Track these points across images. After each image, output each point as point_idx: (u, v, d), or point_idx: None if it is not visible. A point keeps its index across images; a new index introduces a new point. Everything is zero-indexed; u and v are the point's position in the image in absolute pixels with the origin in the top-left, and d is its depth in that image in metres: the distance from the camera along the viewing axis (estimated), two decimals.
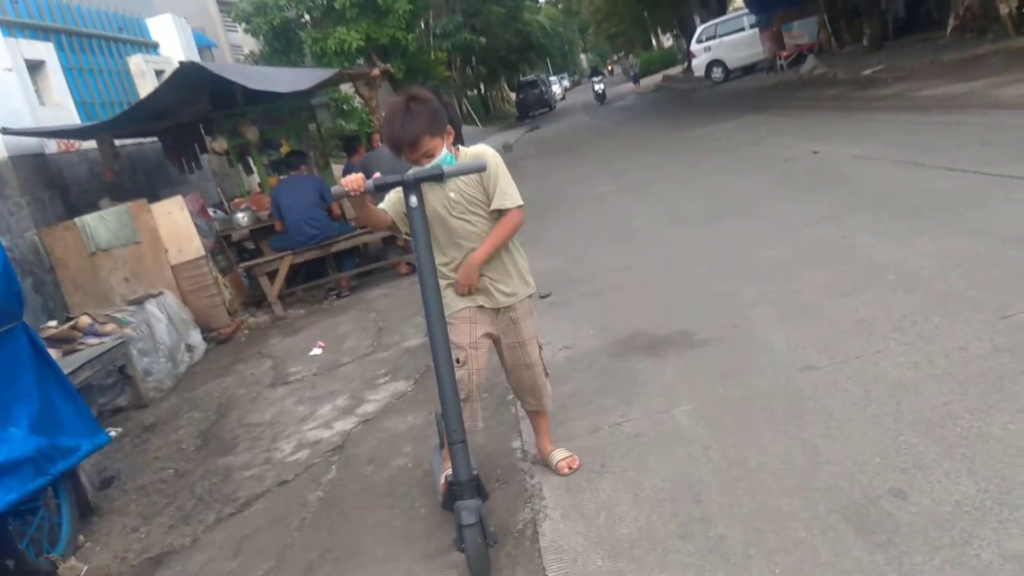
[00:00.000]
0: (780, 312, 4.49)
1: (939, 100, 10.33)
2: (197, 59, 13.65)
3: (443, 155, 3.02)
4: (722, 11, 32.91)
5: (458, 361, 2.97)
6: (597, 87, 37.13)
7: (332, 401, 5.35)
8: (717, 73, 26.42)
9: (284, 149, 10.13)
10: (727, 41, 26.52)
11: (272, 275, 8.37)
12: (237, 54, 19.47)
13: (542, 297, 6.17)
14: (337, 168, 11.86)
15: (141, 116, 9.04)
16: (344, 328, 7.29)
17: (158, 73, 11.89)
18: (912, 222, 5.38)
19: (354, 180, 2.93)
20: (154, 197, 8.92)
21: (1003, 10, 13.19)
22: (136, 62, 11.90)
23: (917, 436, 2.87)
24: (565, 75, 75.88)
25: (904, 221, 5.45)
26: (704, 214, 7.31)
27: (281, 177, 9.04)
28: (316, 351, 6.69)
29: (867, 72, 15.51)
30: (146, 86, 11.33)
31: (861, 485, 2.68)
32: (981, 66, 12.05)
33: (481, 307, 3.16)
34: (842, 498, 2.65)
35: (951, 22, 15.51)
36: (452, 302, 3.11)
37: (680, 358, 4.26)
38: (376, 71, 12.47)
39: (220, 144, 9.89)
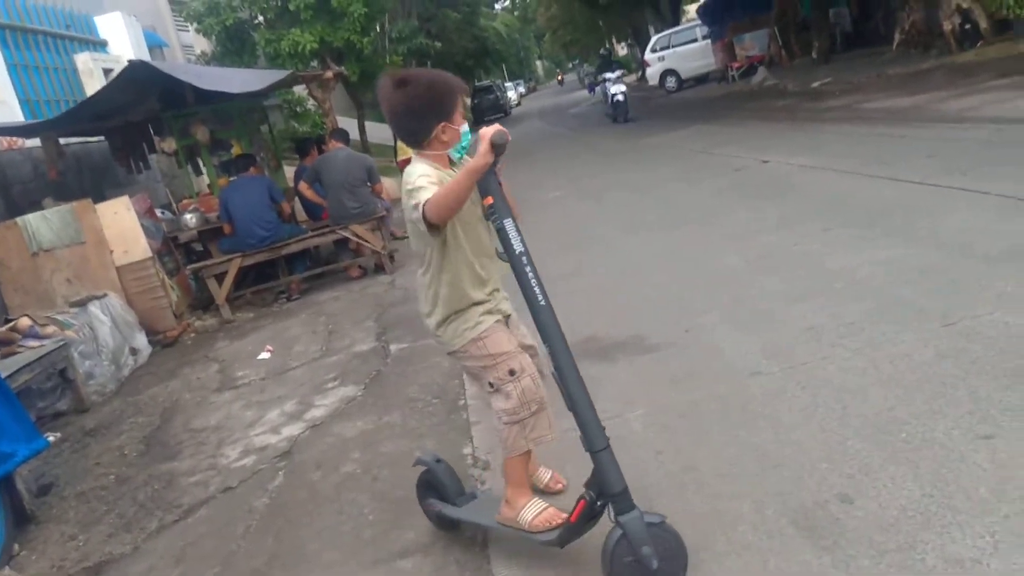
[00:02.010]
0: (731, 318, 4.53)
1: (885, 113, 10.55)
2: (147, 58, 13.43)
3: (466, 128, 2.69)
4: (676, 22, 33.26)
5: (512, 372, 2.63)
6: (614, 89, 19.53)
7: (280, 406, 5.27)
8: (671, 82, 26.69)
9: (235, 150, 9.98)
10: (681, 51, 26.81)
11: (220, 277, 8.23)
12: (189, 54, 19.16)
13: None
14: (289, 170, 11.73)
15: (88, 115, 8.84)
16: (293, 332, 7.19)
17: (106, 72, 11.66)
18: (859, 231, 5.47)
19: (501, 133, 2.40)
20: (100, 197, 8.72)
21: (947, 27, 13.55)
22: (84, 60, 11.65)
23: (863, 441, 2.90)
24: (521, 81, 76.10)
25: (852, 230, 5.54)
26: (658, 221, 7.36)
27: (231, 178, 8.90)
28: (264, 355, 6.58)
29: (816, 84, 15.81)
30: (93, 84, 11.10)
31: (809, 489, 2.70)
32: (925, 80, 12.36)
33: (499, 320, 2.79)
34: (791, 502, 2.67)
35: (897, 37, 15.88)
36: (483, 320, 2.72)
37: (632, 363, 4.27)
38: (330, 74, 12.38)
39: (169, 144, 9.72)
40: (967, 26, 13.38)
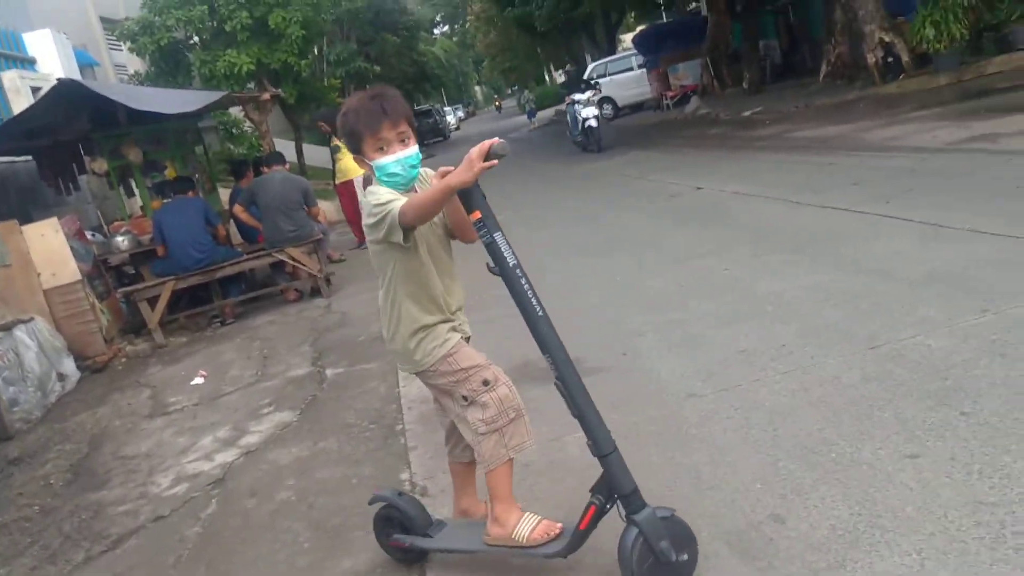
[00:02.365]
0: (666, 341, 4.60)
1: (812, 142, 10.88)
2: (78, 77, 13.13)
3: (415, 149, 2.62)
4: (612, 51, 33.85)
5: (486, 383, 2.61)
6: (585, 113, 16.75)
7: (213, 432, 5.16)
8: (607, 110, 27.10)
9: (169, 172, 9.81)
10: (617, 80, 27.30)
11: (153, 301, 8.05)
12: (122, 73, 18.80)
13: None
14: (224, 192, 11.57)
15: (14, 133, 8.61)
16: (228, 356, 7.06)
17: (35, 90, 11.35)
18: (789, 256, 5.62)
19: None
20: (26, 218, 8.45)
21: (870, 60, 14.07)
22: (10, 77, 11.33)
23: (795, 462, 2.97)
24: (460, 106, 76.43)
25: (781, 255, 5.69)
26: (595, 245, 7.45)
27: (165, 200, 8.74)
28: (198, 380, 6.45)
29: (747, 113, 16.24)
30: (21, 103, 10.79)
31: (743, 511, 2.75)
32: (850, 111, 12.79)
33: (463, 339, 2.77)
34: (725, 523, 2.71)
35: (823, 69, 16.44)
36: (450, 337, 2.69)
37: None
38: (267, 95, 12.31)
39: (100, 165, 9.51)
40: (890, 59, 13.92)
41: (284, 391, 5.67)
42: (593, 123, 16.37)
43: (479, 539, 2.73)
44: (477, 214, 2.44)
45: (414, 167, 2.60)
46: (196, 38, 17.75)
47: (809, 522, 2.61)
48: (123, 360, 7.80)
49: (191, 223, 8.12)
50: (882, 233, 5.63)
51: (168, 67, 17.50)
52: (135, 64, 18.58)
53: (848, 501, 2.66)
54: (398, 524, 2.92)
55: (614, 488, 2.43)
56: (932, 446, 2.85)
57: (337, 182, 11.66)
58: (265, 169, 9.29)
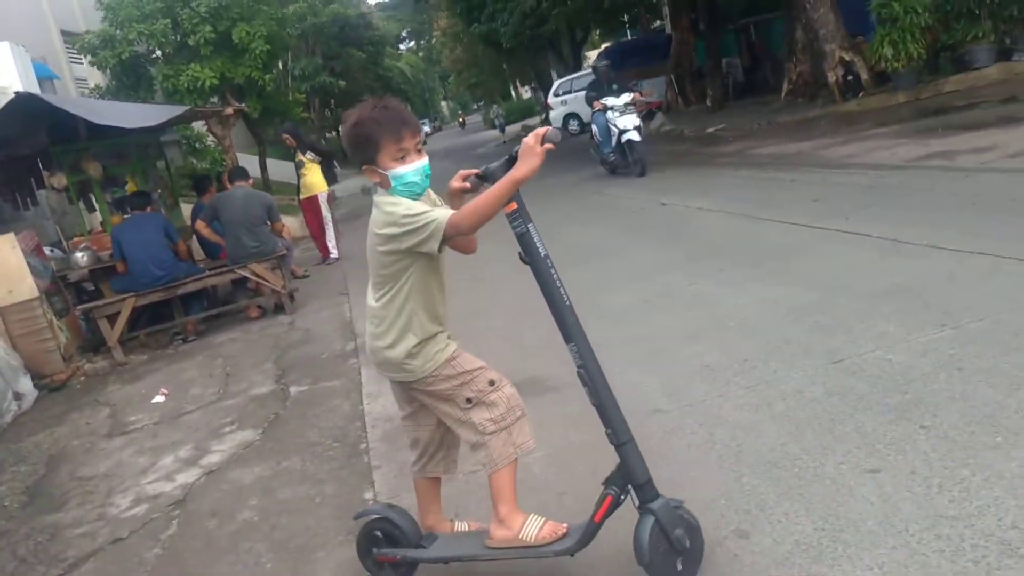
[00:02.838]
0: (630, 356, 4.61)
1: (774, 158, 11.03)
2: (36, 90, 12.93)
3: (427, 158, 2.64)
4: (578, 67, 34.07)
5: (492, 383, 2.65)
6: (623, 123, 12.31)
7: (174, 452, 5.07)
8: (574, 125, 27.28)
9: (129, 187, 9.70)
10: (582, 96, 27.41)
11: (113, 318, 7.91)
12: (82, 87, 18.55)
13: None
14: (186, 207, 11.45)
15: None
16: (189, 374, 6.96)
17: None
18: (751, 271, 5.68)
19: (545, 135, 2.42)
20: None
21: (831, 78, 14.31)
22: None
23: (758, 477, 2.99)
24: (426, 121, 76.48)
25: (743, 270, 5.74)
26: (559, 260, 7.39)
27: (125, 216, 8.61)
28: (158, 399, 6.34)
29: (710, 130, 16.42)
30: None
31: (707, 527, 2.75)
32: (811, 128, 12.99)
33: None
34: None
35: (785, 87, 16.69)
36: (450, 343, 2.71)
37: (531, 404, 4.24)
38: (230, 110, 12.21)
39: (59, 180, 9.38)
40: (850, 77, 14.16)
41: (247, 409, 5.59)
42: (635, 136, 12.01)
43: (479, 545, 2.71)
44: (513, 205, 2.50)
45: (427, 176, 2.62)
46: (158, 52, 17.59)
47: (773, 537, 2.63)
48: (82, 378, 7.66)
49: (151, 239, 8.01)
50: (842, 248, 5.71)
51: (130, 81, 17.32)
52: (96, 77, 18.36)
53: (811, 516, 2.68)
54: (386, 539, 2.85)
55: (630, 477, 2.50)
56: (893, 460, 2.88)
57: (301, 197, 11.59)
58: (228, 184, 9.20)
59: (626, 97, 12.42)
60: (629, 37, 33.67)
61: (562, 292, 2.56)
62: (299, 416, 5.18)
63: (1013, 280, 4.27)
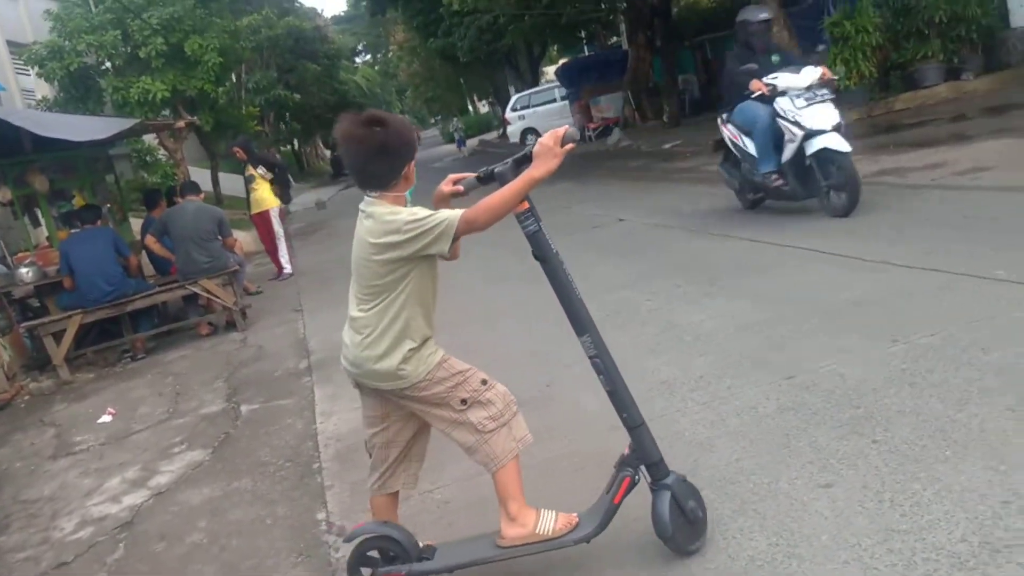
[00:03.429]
0: (591, 372, 4.56)
1: None
2: None
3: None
4: (535, 82, 34.29)
5: (484, 382, 2.69)
6: (811, 121, 6.75)
7: (121, 473, 4.94)
8: (531, 140, 27.34)
9: (77, 201, 9.49)
10: (540, 111, 27.67)
11: (59, 335, 7.71)
12: (29, 99, 18.15)
13: None
14: (136, 222, 11.24)
15: None
16: (138, 393, 6.80)
17: None
18: (707, 287, 5.71)
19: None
20: None
21: None
22: None
23: (714, 492, 2.98)
24: None
25: (700, 286, 5.77)
26: (519, 275, 7.43)
27: (72, 230, 8.42)
28: (106, 418, 6.18)
29: (667, 146, 16.57)
30: None
31: (659, 543, 2.73)
32: None
33: None
34: (647, 556, 2.70)
35: None
36: (438, 349, 2.70)
37: None
38: (182, 123, 12.06)
39: (3, 194, 9.14)
40: None
41: (197, 429, 5.48)
42: (836, 144, 6.76)
43: (489, 547, 2.70)
44: (525, 204, 2.59)
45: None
46: (108, 64, 17.29)
47: (728, 553, 2.62)
48: (26, 398, 7.45)
49: (100, 254, 7.84)
50: (797, 264, 5.77)
51: (78, 93, 16.98)
52: (44, 89, 17.98)
53: (766, 531, 2.68)
54: (382, 558, 2.75)
55: (643, 457, 2.66)
56: (845, 475, 2.89)
57: (252, 212, 11.45)
58: (179, 199, 9.05)
59: (810, 74, 6.98)
60: (587, 53, 33.95)
61: (574, 288, 2.71)
62: (250, 435, 5.08)
63: (964, 296, 4.34)
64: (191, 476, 4.64)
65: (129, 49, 16.73)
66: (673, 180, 12.32)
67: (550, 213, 11.49)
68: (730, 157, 7.94)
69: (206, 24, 17.18)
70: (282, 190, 11.41)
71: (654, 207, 9.74)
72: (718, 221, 7.83)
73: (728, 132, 7.75)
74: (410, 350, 2.60)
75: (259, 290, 10.55)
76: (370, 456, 2.85)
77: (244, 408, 5.69)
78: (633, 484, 2.66)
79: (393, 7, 32.57)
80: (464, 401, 2.65)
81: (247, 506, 4.02)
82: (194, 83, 16.83)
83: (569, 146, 2.51)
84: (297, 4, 39.59)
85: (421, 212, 2.52)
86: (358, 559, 2.77)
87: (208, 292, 8.22)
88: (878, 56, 13.10)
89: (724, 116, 7.85)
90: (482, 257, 9.05)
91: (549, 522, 2.68)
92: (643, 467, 2.67)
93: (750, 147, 7.37)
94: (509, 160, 2.69)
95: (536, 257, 2.68)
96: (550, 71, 36.78)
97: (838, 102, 7.08)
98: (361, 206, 2.63)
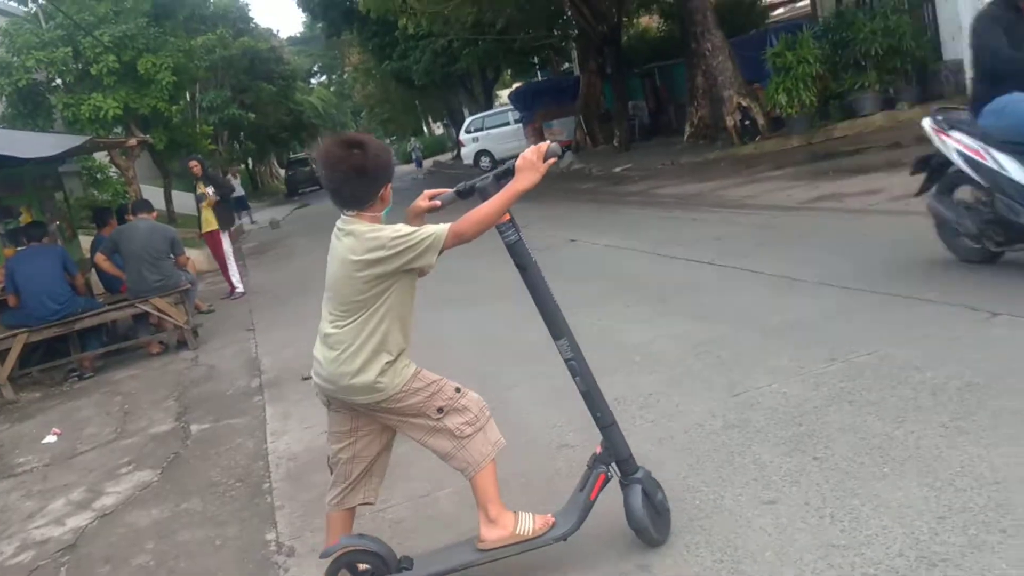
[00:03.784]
0: (538, 392, 4.66)
1: (678, 198, 11.36)
2: None
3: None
4: (489, 105, 34.51)
5: (458, 390, 2.82)
6: None
7: (66, 494, 4.86)
8: (485, 162, 27.55)
9: (24, 218, 9.32)
10: (494, 133, 27.84)
11: (3, 354, 7.55)
12: None
13: (304, 379, 6.02)
14: (86, 239, 11.06)
15: None
16: (85, 413, 6.69)
17: None
18: (655, 307, 5.83)
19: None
20: None
21: (729, 122, 14.89)
22: None
23: None
24: None
25: (648, 307, 5.89)
26: (467, 297, 7.49)
27: (19, 248, 8.27)
28: (50, 439, 6.07)
29: (617, 169, 16.83)
30: None
31: (611, 560, 2.80)
32: (712, 169, 13.46)
33: None
34: (594, 574, 2.75)
35: (687, 130, 17.29)
36: (411, 362, 2.80)
37: None
38: (133, 141, 11.91)
39: None
40: (747, 122, 14.77)
41: (145, 449, 5.41)
42: None
43: (469, 551, 2.77)
44: (507, 216, 2.74)
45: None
46: (59, 80, 17.03)
47: (675, 571, 2.69)
48: None
49: (47, 272, 7.71)
50: (741, 285, 5.92)
51: (27, 109, 16.70)
52: None
53: (711, 548, 2.75)
54: (363, 572, 2.75)
55: (615, 454, 2.81)
56: (788, 491, 2.99)
57: (204, 231, 11.35)
58: (130, 217, 8.94)
59: None
60: (539, 78, 34.30)
61: (551, 295, 2.88)
62: (200, 455, 5.04)
63: (898, 316, 4.51)
64: (138, 497, 4.58)
65: (80, 66, 16.50)
66: (623, 203, 12.51)
67: (494, 233, 11.51)
68: (952, 184, 5.30)
69: (160, 43, 17.02)
70: (224, 215, 11.28)
71: (604, 228, 9.88)
72: (667, 243, 7.98)
73: (960, 144, 4.96)
74: (387, 363, 2.66)
75: (211, 309, 10.44)
76: (331, 472, 2.88)
77: (194, 428, 5.63)
78: (607, 480, 2.80)
79: (349, 29, 32.59)
80: (440, 409, 2.74)
81: (196, 527, 3.99)
82: (147, 101, 16.66)
83: (551, 160, 2.68)
84: (253, 25, 39.36)
85: (404, 228, 2.61)
86: (340, 570, 2.76)
87: (159, 310, 8.12)
88: (818, 86, 13.54)
89: (947, 118, 5.19)
90: (420, 283, 9.08)
91: (528, 523, 2.77)
92: (614, 464, 2.82)
93: (1015, 170, 4.66)
94: (489, 175, 2.84)
95: (517, 265, 2.84)
96: (504, 94, 37.09)
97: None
98: (339, 224, 2.69)
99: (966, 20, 12.54)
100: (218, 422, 5.63)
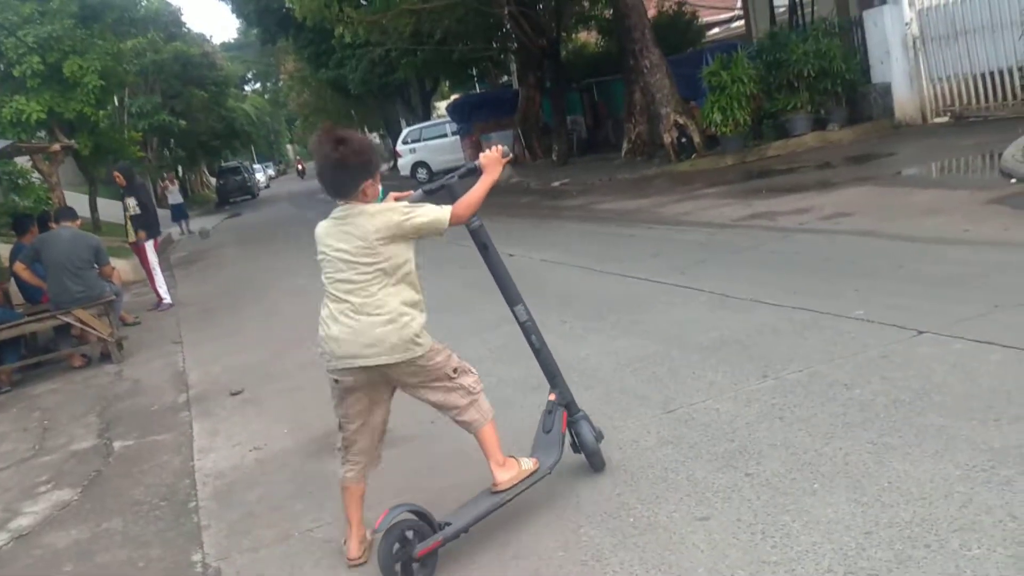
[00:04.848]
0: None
1: (616, 213, 11.46)
2: None
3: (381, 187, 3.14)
4: (427, 116, 34.46)
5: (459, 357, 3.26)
6: None
7: None
8: (422, 174, 27.47)
9: None
10: (432, 145, 27.80)
11: None
12: None
13: (233, 394, 5.89)
14: (4, 248, 10.66)
15: None
16: (1, 429, 6.44)
17: None
18: (592, 323, 5.84)
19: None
20: None
21: (666, 139, 15.10)
22: None
23: (595, 528, 3.04)
24: (271, 163, 74.89)
25: (585, 322, 5.91)
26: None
27: None
28: None
29: (556, 184, 16.92)
30: None
31: None
32: (649, 185, 13.63)
33: None
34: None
35: (625, 146, 17.47)
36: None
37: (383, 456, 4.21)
38: (57, 146, 11.61)
39: None
40: (683, 139, 14.99)
41: (65, 466, 5.21)
42: None
43: (490, 498, 3.12)
44: None
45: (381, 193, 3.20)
46: None
47: None
48: None
49: None
50: (677, 301, 5.97)
51: None
52: None
53: (645, 565, 2.75)
54: (415, 537, 2.92)
55: (566, 398, 3.46)
56: (721, 508, 3.00)
57: (130, 240, 11.05)
58: (53, 225, 8.65)
59: None
60: (478, 90, 34.38)
61: (507, 270, 3.48)
62: (123, 473, 4.87)
63: (828, 334, 4.59)
64: (57, 517, 4.40)
65: (2, 67, 16.00)
66: (561, 217, 12.57)
67: (439, 247, 11.48)
68: None
69: (87, 45, 16.61)
70: (146, 230, 10.99)
71: (542, 243, 9.91)
72: (605, 258, 8.04)
73: None
74: (421, 322, 3.01)
75: (137, 320, 10.15)
76: (344, 450, 3.20)
77: (117, 444, 5.45)
78: (569, 414, 3.44)
79: (284, 37, 32.21)
80: (455, 370, 3.13)
81: (117, 548, 3.85)
82: (73, 105, 16.20)
83: (508, 157, 3.30)
84: (185, 30, 38.64)
85: (407, 207, 3.02)
86: (396, 544, 2.87)
87: (82, 322, 7.86)
88: (752, 105, 13.84)
89: None
90: None
91: (527, 462, 3.23)
92: (565, 407, 3.42)
93: None
94: (454, 175, 3.40)
95: (479, 245, 3.37)
96: (442, 106, 37.06)
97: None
98: (335, 214, 2.98)
99: (895, 45, 13.04)
100: (142, 439, 5.45)
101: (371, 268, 2.91)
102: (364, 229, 2.90)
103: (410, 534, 2.91)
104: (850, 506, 2.84)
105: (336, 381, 3.03)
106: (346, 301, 2.93)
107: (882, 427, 3.35)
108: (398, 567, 2.86)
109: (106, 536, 4.02)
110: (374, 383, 3.05)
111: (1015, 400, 3.35)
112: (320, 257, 3.00)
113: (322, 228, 3.01)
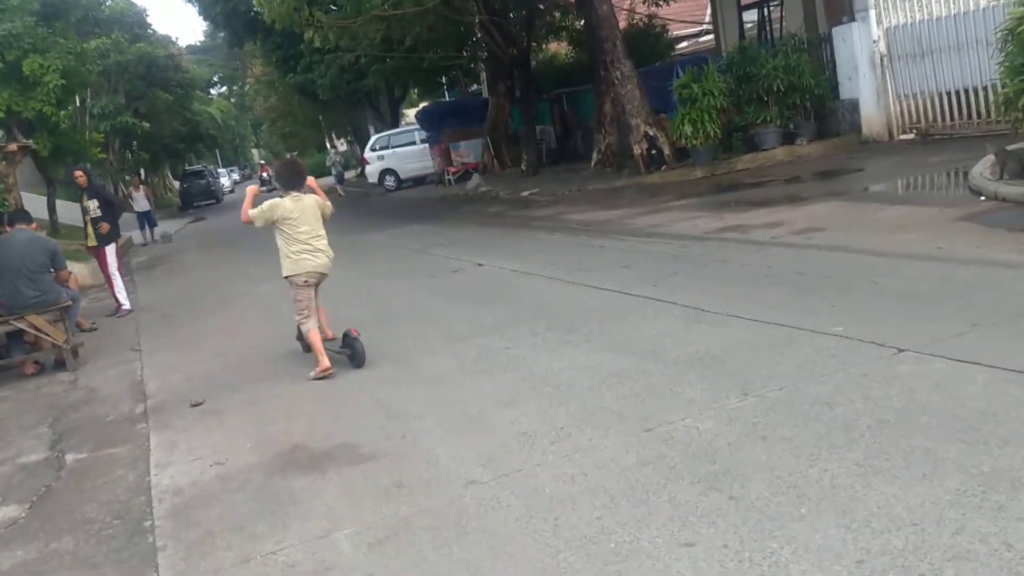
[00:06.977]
0: (446, 423, 4.48)
1: (586, 224, 11.37)
2: None
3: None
4: (396, 123, 34.22)
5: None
6: None
7: None
8: (390, 181, 27.25)
9: None
10: (400, 152, 27.57)
11: None
12: None
13: (193, 405, 5.68)
14: None
15: None
16: None
17: None
18: (565, 335, 5.72)
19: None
20: None
21: (636, 150, 15.08)
22: None
23: (574, 553, 2.91)
24: (236, 168, 74.09)
25: (558, 334, 5.78)
26: (373, 320, 7.23)
27: None
28: None
29: (525, 193, 16.83)
30: None
31: None
32: (619, 196, 13.58)
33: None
34: None
35: (595, 156, 17.45)
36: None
37: (343, 474, 4.05)
38: (14, 146, 11.27)
39: None
40: (653, 151, 14.98)
41: (12, 481, 4.97)
42: None
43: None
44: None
45: None
46: None
47: None
48: None
49: None
50: (650, 315, 5.87)
51: None
52: None
53: None
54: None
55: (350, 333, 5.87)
56: (705, 533, 2.88)
57: (89, 244, 10.74)
58: (7, 228, 8.35)
59: None
60: (447, 98, 34.22)
61: None
62: (75, 488, 4.65)
63: (806, 351, 4.51)
64: (2, 536, 4.17)
65: None
66: (531, 227, 12.47)
67: (408, 256, 11.49)
68: None
69: (48, 44, 16.21)
70: (106, 233, 10.69)
71: (512, 253, 9.79)
72: (576, 270, 7.93)
73: None
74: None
75: (94, 327, 9.83)
76: (304, 335, 5.98)
77: (69, 457, 5.21)
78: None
79: (252, 40, 31.79)
80: None
81: (67, 570, 3.64)
82: (32, 104, 15.78)
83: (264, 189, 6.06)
84: (151, 31, 37.99)
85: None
86: None
87: (35, 328, 7.58)
88: (722, 118, 13.89)
89: None
90: (334, 303, 8.81)
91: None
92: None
93: None
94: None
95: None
96: (411, 113, 36.85)
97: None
98: (295, 193, 5.89)
99: (863, 62, 13.15)
100: (96, 452, 5.22)
101: (321, 222, 6.01)
102: (314, 200, 6.00)
103: None
104: (839, 532, 2.73)
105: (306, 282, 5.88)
106: (318, 238, 5.93)
107: (868, 449, 3.27)
108: None
109: (55, 557, 3.80)
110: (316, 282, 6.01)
111: (1001, 422, 3.28)
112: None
113: (291, 200, 5.86)
